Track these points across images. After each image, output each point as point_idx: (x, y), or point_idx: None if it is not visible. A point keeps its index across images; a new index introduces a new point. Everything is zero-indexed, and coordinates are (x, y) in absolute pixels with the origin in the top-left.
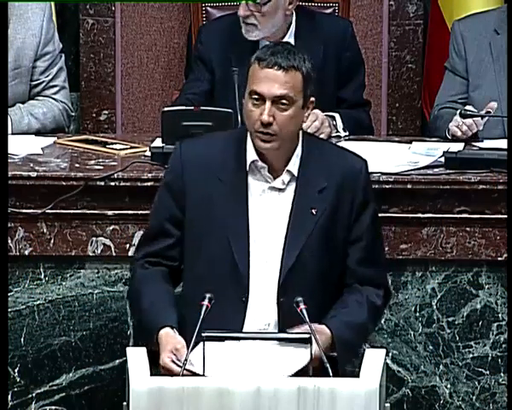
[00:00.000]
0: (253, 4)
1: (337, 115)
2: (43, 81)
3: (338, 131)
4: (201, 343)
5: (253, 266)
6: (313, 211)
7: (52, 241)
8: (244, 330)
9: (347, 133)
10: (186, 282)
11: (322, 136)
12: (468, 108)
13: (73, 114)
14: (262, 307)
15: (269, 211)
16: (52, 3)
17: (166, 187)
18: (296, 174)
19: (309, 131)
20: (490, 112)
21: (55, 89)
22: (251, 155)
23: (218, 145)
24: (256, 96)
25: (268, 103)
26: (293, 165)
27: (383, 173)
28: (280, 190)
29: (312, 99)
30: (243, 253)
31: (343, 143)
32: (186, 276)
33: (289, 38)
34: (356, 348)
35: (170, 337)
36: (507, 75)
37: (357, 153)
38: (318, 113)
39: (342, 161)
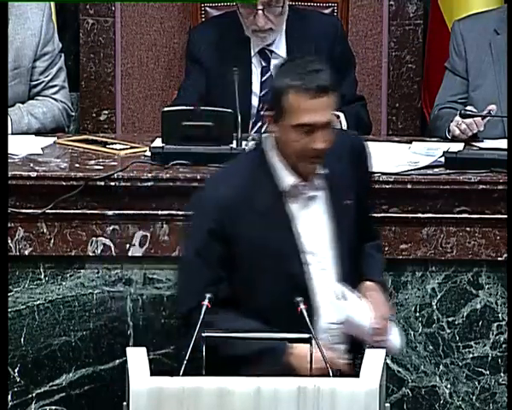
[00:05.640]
0: (269, 11)
1: (341, 114)
2: (43, 81)
3: None
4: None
5: (316, 282)
6: (348, 202)
7: (52, 241)
8: None
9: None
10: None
11: None
12: (468, 108)
13: (73, 113)
14: (326, 314)
15: (312, 221)
16: (52, 3)
17: (209, 234)
18: (323, 173)
19: None
20: (490, 112)
21: (55, 89)
22: (288, 179)
23: (245, 180)
24: (306, 129)
25: (320, 132)
26: (319, 167)
27: (383, 173)
28: (315, 196)
29: None
30: (306, 276)
31: None
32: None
33: (280, 38)
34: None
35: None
36: (507, 75)
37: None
38: None
39: (346, 143)
